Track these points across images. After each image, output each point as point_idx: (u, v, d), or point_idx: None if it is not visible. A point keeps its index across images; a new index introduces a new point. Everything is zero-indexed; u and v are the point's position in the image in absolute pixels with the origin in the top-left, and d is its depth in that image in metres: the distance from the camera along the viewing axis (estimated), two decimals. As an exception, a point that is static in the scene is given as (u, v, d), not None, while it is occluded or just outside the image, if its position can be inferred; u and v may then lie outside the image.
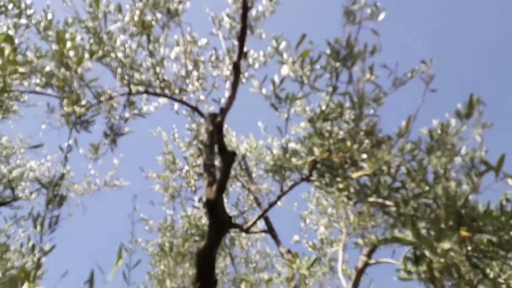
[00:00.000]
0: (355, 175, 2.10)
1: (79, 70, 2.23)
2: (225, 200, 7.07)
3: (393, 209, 2.17)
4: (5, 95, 2.30)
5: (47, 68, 2.39)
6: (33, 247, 2.79)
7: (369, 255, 5.01)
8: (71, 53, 2.18)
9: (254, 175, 7.52)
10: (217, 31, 4.52)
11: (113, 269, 1.87)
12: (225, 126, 6.90)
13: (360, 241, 4.29)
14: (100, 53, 2.45)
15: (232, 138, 7.31)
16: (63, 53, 2.29)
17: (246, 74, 4.65)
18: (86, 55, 2.25)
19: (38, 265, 2.75)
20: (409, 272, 1.85)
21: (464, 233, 1.69)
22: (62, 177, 2.63)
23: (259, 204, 6.57)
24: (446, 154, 2.26)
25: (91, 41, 2.71)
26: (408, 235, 1.77)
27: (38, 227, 2.68)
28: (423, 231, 1.82)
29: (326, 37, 2.52)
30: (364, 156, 2.35)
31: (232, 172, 6.33)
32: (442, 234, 1.71)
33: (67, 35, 2.21)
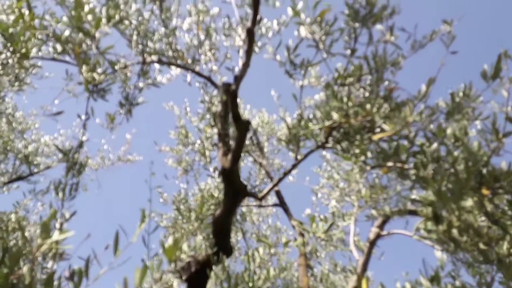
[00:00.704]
0: (376, 136, 2.09)
1: (97, 34, 2.22)
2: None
3: (412, 172, 2.16)
4: (26, 62, 2.31)
5: (65, 34, 2.38)
6: (55, 213, 2.86)
7: (381, 227, 5.05)
8: (89, 17, 2.17)
9: (265, 150, 7.55)
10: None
11: (137, 231, 1.91)
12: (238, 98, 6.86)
13: (373, 212, 4.32)
14: (117, 17, 2.43)
15: (244, 112, 7.30)
16: (80, 17, 2.28)
17: (259, 43, 4.59)
18: (104, 20, 2.24)
19: (61, 229, 2.83)
20: (429, 231, 1.86)
21: (485, 191, 1.68)
22: (81, 144, 2.67)
23: (271, 179, 6.62)
24: (466, 117, 2.22)
25: (108, 4, 2.69)
26: (429, 194, 1.77)
27: (60, 194, 2.74)
28: (444, 191, 1.81)
29: None
30: (384, 119, 2.33)
31: (244, 146, 6.35)
32: (463, 193, 1.70)
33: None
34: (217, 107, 4.03)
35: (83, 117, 2.75)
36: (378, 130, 2.23)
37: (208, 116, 5.13)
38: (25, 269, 1.42)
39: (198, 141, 5.64)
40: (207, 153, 5.03)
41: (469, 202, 1.59)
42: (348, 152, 2.67)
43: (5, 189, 6.10)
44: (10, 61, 2.13)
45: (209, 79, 4.14)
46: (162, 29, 3.98)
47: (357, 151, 2.54)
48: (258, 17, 3.88)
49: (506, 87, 1.80)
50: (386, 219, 5.05)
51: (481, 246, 1.89)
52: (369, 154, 2.50)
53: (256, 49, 4.53)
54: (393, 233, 5.12)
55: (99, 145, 6.87)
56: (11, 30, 2.29)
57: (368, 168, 2.53)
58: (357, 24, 2.31)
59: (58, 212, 2.83)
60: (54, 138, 7.22)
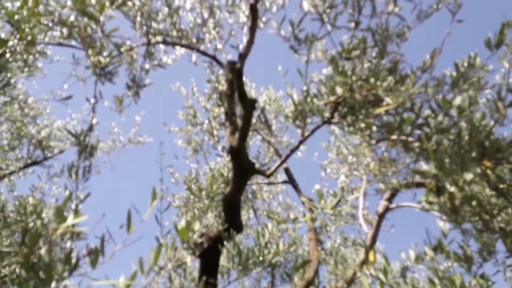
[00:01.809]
0: (378, 110, 2.10)
1: (102, 18, 2.25)
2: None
3: (416, 144, 2.18)
4: (33, 48, 2.36)
5: (70, 19, 2.41)
6: (70, 194, 2.97)
7: (390, 200, 5.10)
8: (93, 1, 2.19)
9: (273, 127, 7.57)
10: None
11: (149, 209, 1.98)
12: (244, 76, 6.87)
13: (381, 185, 4.35)
14: (120, 0, 2.45)
15: (251, 90, 7.29)
16: (83, 1, 2.30)
17: (263, 19, 4.54)
18: (107, 3, 2.25)
19: (76, 211, 2.95)
20: (430, 203, 1.90)
21: (487, 163, 1.70)
22: (91, 127, 2.74)
23: (279, 156, 6.67)
24: (472, 88, 2.21)
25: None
26: (431, 167, 1.80)
27: (74, 176, 2.84)
28: (446, 163, 1.83)
29: None
30: (388, 92, 2.33)
31: (252, 124, 6.39)
32: (465, 166, 1.72)
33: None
34: (223, 86, 4.04)
35: (92, 100, 2.81)
36: (383, 103, 2.24)
37: (215, 95, 5.15)
38: (43, 250, 1.50)
39: (206, 121, 5.70)
40: (215, 132, 5.08)
41: (469, 176, 1.61)
42: (354, 127, 2.69)
43: (21, 174, 6.29)
44: (18, 48, 2.18)
45: (214, 58, 4.14)
46: (166, 9, 3.96)
47: (362, 125, 2.56)
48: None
49: (508, 58, 1.79)
50: (394, 192, 5.09)
51: (484, 216, 1.92)
52: (374, 128, 2.52)
53: (261, 25, 4.50)
54: (401, 206, 5.16)
55: (110, 128, 6.98)
56: (16, 17, 2.33)
57: (373, 141, 2.55)
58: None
59: (73, 194, 2.94)
60: (66, 122, 7.35)
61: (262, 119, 7.31)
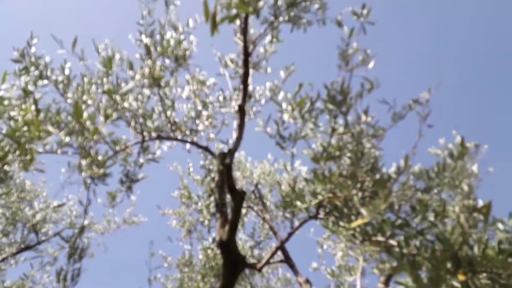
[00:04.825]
0: (354, 224, 2.20)
1: (95, 137, 2.44)
2: (240, 231, 7.16)
3: (396, 249, 2.25)
4: (30, 166, 2.52)
5: (65, 132, 2.60)
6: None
7: (386, 283, 4.98)
8: (88, 123, 2.40)
9: (268, 202, 7.59)
10: (224, 70, 4.74)
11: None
12: (240, 152, 7.07)
13: (375, 270, 4.30)
14: (115, 115, 2.67)
15: (246, 165, 7.44)
16: (81, 114, 2.51)
17: (254, 109, 4.84)
18: (101, 119, 2.46)
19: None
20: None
21: (461, 277, 1.75)
22: (82, 230, 2.81)
23: (275, 233, 6.61)
24: (443, 191, 2.34)
25: (105, 102, 2.95)
26: (409, 281, 1.85)
27: (62, 282, 2.84)
28: (423, 274, 1.89)
29: (328, 71, 2.68)
30: (366, 196, 2.44)
31: (245, 204, 6.43)
32: (440, 279, 1.78)
33: (83, 105, 2.44)
34: (216, 175, 4.18)
35: (85, 203, 2.91)
36: (359, 211, 2.34)
37: (208, 179, 5.29)
38: None
39: (200, 203, 5.77)
40: (206, 222, 5.13)
41: (446, 289, 1.66)
42: (338, 225, 2.76)
43: (12, 262, 6.18)
44: (15, 165, 2.33)
45: (206, 148, 4.34)
46: (161, 104, 4.23)
47: (346, 225, 2.63)
48: (250, 89, 4.14)
49: (467, 181, 1.93)
50: (390, 275, 4.99)
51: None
52: (357, 228, 2.59)
53: (252, 115, 4.78)
54: (399, 289, 5.03)
55: (105, 209, 7.01)
56: (17, 133, 2.52)
57: (357, 242, 2.61)
58: (334, 107, 2.50)
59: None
60: (62, 203, 7.39)
61: (257, 194, 7.36)
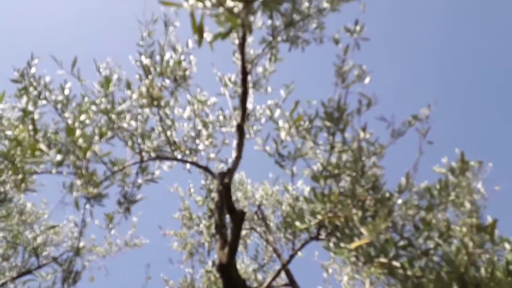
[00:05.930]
0: (353, 245, 2.11)
1: (88, 155, 2.41)
2: (243, 253, 7.00)
3: (400, 271, 2.14)
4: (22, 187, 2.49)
5: (60, 154, 2.58)
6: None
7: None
8: (80, 141, 2.37)
9: (271, 224, 7.44)
10: (224, 89, 4.74)
11: None
12: (241, 173, 7.00)
13: (382, 294, 4.13)
14: (110, 134, 2.64)
15: (247, 186, 7.34)
16: (74, 133, 2.48)
17: (254, 128, 4.81)
18: (96, 137, 2.44)
19: None
20: None
21: (469, 299, 1.65)
22: (77, 252, 2.73)
23: (278, 256, 6.45)
24: (447, 209, 2.25)
25: (101, 121, 2.94)
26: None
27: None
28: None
29: (327, 88, 2.64)
30: (367, 215, 2.36)
31: (248, 226, 6.32)
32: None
33: (77, 124, 2.42)
34: (215, 196, 4.11)
35: (80, 225, 2.84)
36: (362, 229, 2.25)
37: (208, 198, 5.20)
38: None
39: (201, 225, 5.66)
40: (206, 244, 5.02)
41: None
42: (339, 246, 2.66)
43: (12, 287, 6.06)
44: (8, 185, 2.30)
45: (206, 168, 4.28)
46: (160, 124, 4.22)
47: (348, 246, 2.53)
48: (249, 109, 4.12)
49: (470, 198, 1.85)
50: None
51: None
52: (359, 250, 2.49)
53: (252, 134, 4.75)
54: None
55: (106, 231, 6.91)
56: (12, 152, 2.49)
57: (360, 264, 2.51)
58: (332, 124, 2.45)
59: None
60: (63, 225, 7.30)
61: (259, 215, 7.22)
